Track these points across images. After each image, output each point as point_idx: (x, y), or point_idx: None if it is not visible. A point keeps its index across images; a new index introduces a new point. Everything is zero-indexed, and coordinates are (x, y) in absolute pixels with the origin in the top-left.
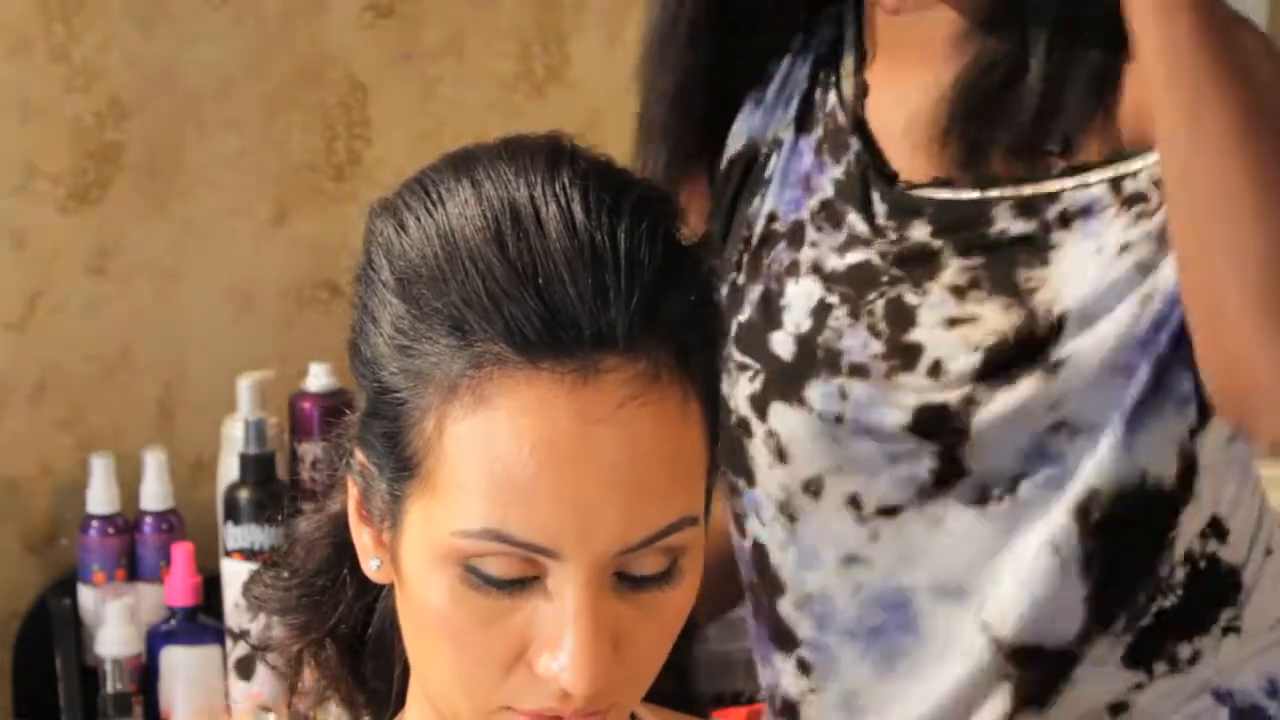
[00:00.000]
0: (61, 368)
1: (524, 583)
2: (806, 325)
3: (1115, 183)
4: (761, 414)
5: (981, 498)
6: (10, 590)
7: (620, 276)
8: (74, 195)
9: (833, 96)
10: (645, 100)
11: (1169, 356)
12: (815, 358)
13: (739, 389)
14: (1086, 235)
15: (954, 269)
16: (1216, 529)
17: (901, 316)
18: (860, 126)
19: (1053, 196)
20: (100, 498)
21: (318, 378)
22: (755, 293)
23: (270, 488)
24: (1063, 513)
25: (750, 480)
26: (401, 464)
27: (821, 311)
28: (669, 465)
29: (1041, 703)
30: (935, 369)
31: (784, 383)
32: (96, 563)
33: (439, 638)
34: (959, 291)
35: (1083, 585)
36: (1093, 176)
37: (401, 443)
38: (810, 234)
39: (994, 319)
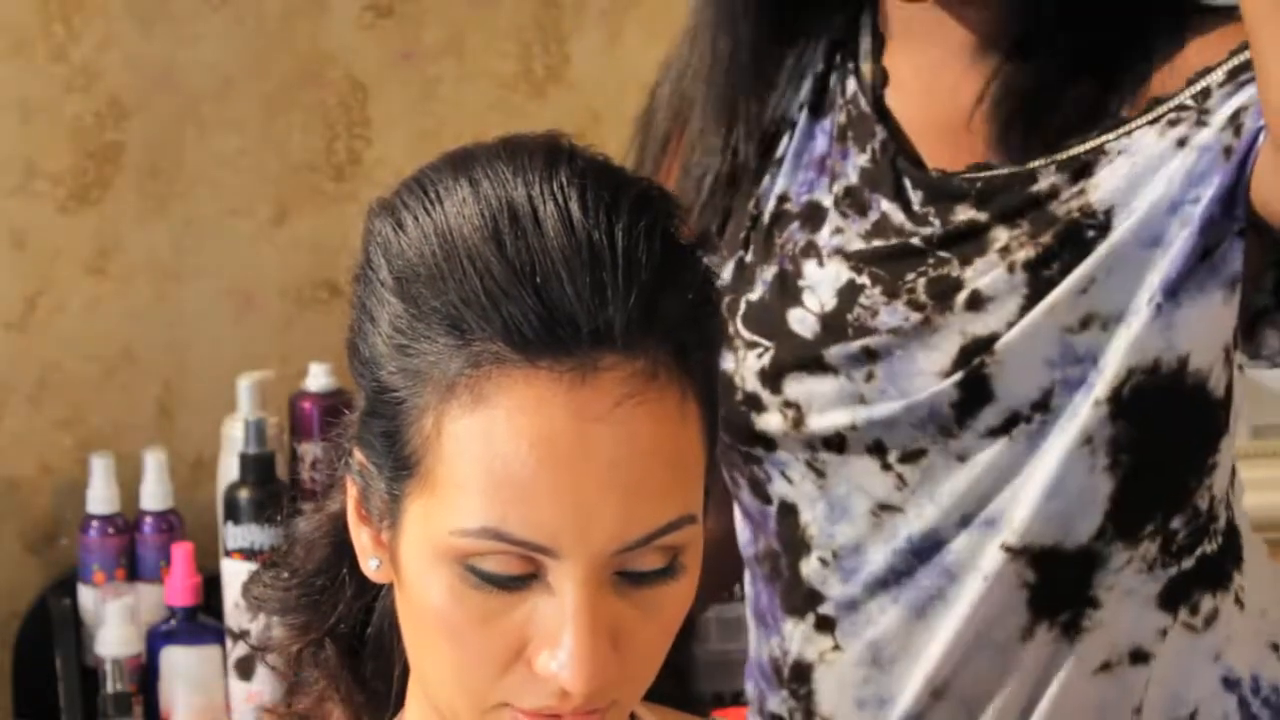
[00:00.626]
0: (61, 368)
1: (523, 581)
2: (832, 304)
3: (1153, 121)
4: (775, 387)
5: (1008, 424)
6: (10, 590)
7: (618, 275)
8: (74, 195)
9: (852, 83)
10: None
11: (1212, 223)
12: (844, 332)
13: (746, 365)
14: (1125, 152)
15: (1003, 238)
16: (1234, 487)
17: (948, 287)
18: (884, 114)
19: (1094, 149)
20: (100, 498)
21: (318, 378)
22: (769, 273)
23: (270, 488)
24: (1091, 404)
25: (769, 445)
26: (400, 463)
27: (850, 291)
28: (667, 464)
29: (1066, 626)
30: (974, 299)
31: (804, 354)
32: (96, 563)
33: (438, 636)
34: (1005, 251)
35: (1109, 478)
36: (1134, 125)
37: (400, 442)
38: (834, 219)
39: (1035, 247)
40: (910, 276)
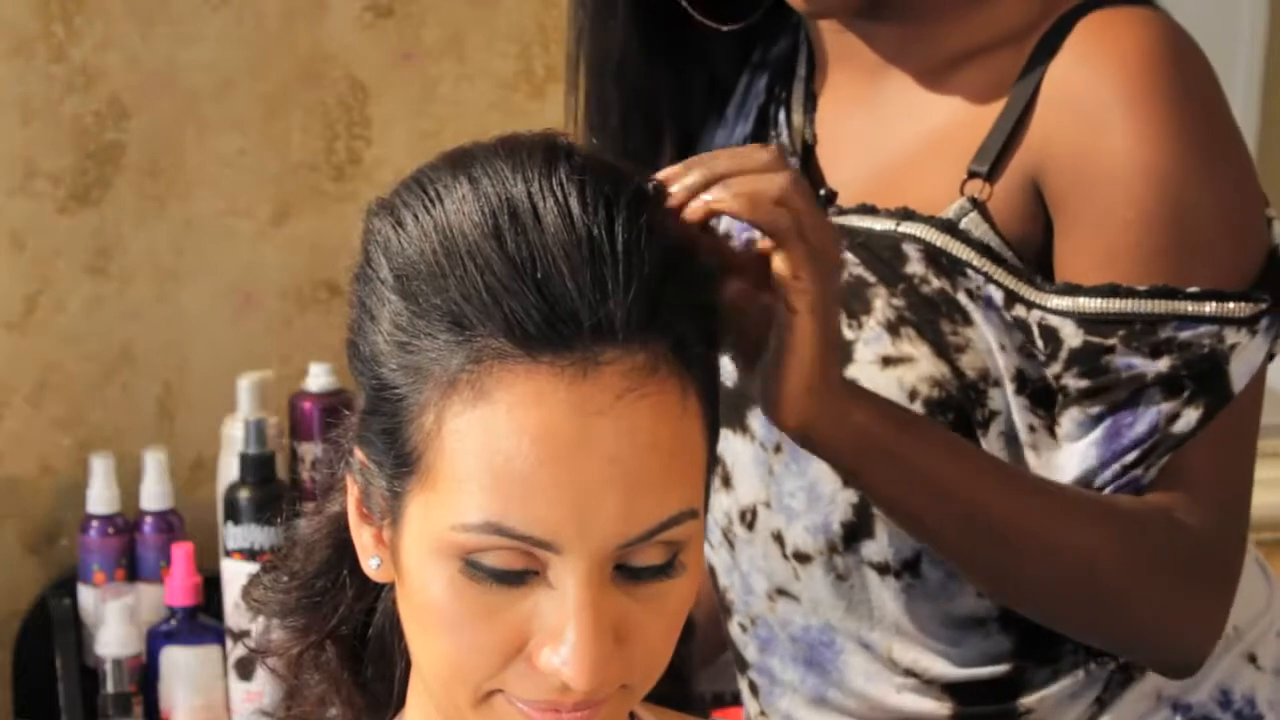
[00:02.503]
0: (61, 368)
1: (524, 576)
2: None
3: (1009, 298)
4: None
5: (884, 567)
6: (10, 590)
7: (618, 269)
8: (74, 195)
9: (783, 111)
10: (595, 121)
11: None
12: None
13: None
14: (989, 323)
15: (883, 303)
16: None
17: (840, 351)
18: (805, 145)
19: (958, 263)
20: (100, 498)
21: (318, 378)
22: None
23: (270, 488)
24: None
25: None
26: (401, 460)
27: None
28: (668, 458)
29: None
30: None
31: (729, 409)
32: (96, 563)
33: (438, 632)
34: (891, 328)
35: (1006, 638)
36: (998, 276)
37: (401, 438)
38: None
39: (926, 364)
40: None
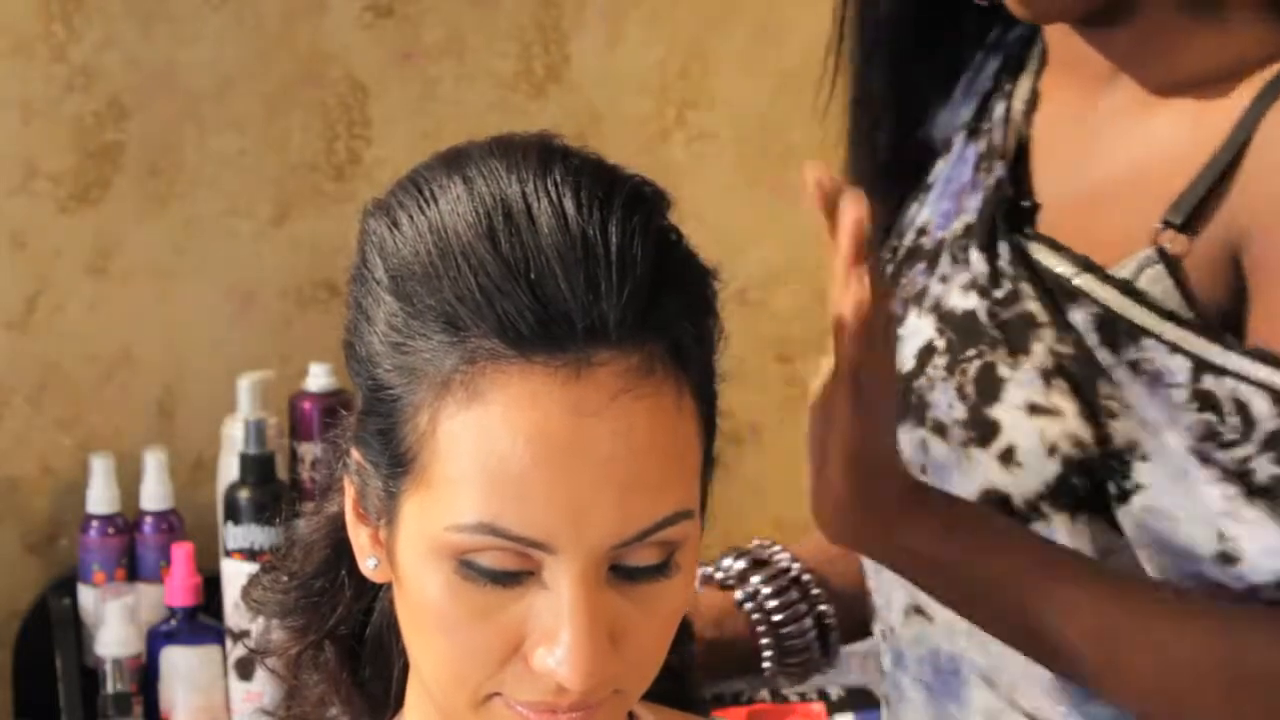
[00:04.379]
0: (61, 368)
1: (519, 577)
2: (909, 365)
3: (1198, 367)
4: None
5: None
6: (10, 590)
7: (612, 270)
8: (74, 195)
9: (1003, 106)
10: (857, 93)
11: None
12: (909, 402)
13: None
14: (1153, 400)
15: (1044, 348)
16: None
17: (989, 387)
18: (1020, 147)
19: (1135, 331)
20: (100, 498)
21: (318, 378)
22: None
23: (270, 488)
24: None
25: None
26: (396, 460)
27: (926, 355)
28: (663, 459)
29: None
30: (1008, 455)
31: None
32: (96, 563)
33: (434, 632)
34: (1046, 376)
35: None
36: (1186, 342)
37: (396, 439)
38: (944, 263)
39: (1072, 422)
40: (970, 354)
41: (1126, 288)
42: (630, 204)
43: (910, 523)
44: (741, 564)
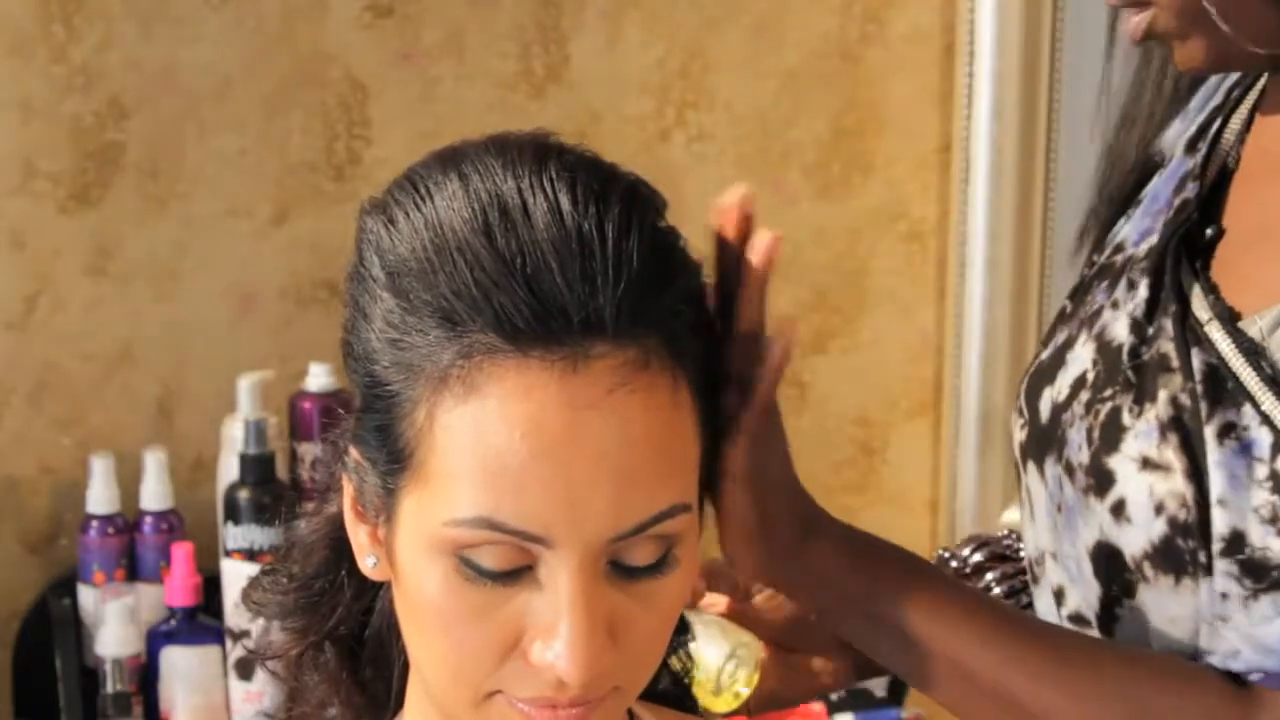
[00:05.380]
0: (61, 368)
1: (518, 572)
2: (1063, 395)
3: (1277, 443)
4: (1024, 466)
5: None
6: (10, 590)
7: (608, 264)
8: (74, 195)
9: (1216, 125)
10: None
11: None
12: (1055, 434)
13: (1015, 431)
14: (1221, 470)
15: (1168, 396)
16: None
17: (1112, 434)
18: (1225, 173)
19: (1240, 392)
20: (100, 498)
21: (318, 378)
22: (1061, 336)
23: (270, 488)
24: None
25: (1022, 516)
26: (394, 456)
27: (1078, 386)
28: (660, 452)
29: None
30: (1119, 508)
31: (1036, 446)
32: (96, 563)
33: (434, 629)
34: (1163, 428)
35: None
36: (1276, 414)
37: (393, 435)
38: (1121, 287)
39: (1179, 481)
40: (1106, 394)
41: (1248, 346)
42: (626, 200)
43: (814, 548)
44: (979, 556)
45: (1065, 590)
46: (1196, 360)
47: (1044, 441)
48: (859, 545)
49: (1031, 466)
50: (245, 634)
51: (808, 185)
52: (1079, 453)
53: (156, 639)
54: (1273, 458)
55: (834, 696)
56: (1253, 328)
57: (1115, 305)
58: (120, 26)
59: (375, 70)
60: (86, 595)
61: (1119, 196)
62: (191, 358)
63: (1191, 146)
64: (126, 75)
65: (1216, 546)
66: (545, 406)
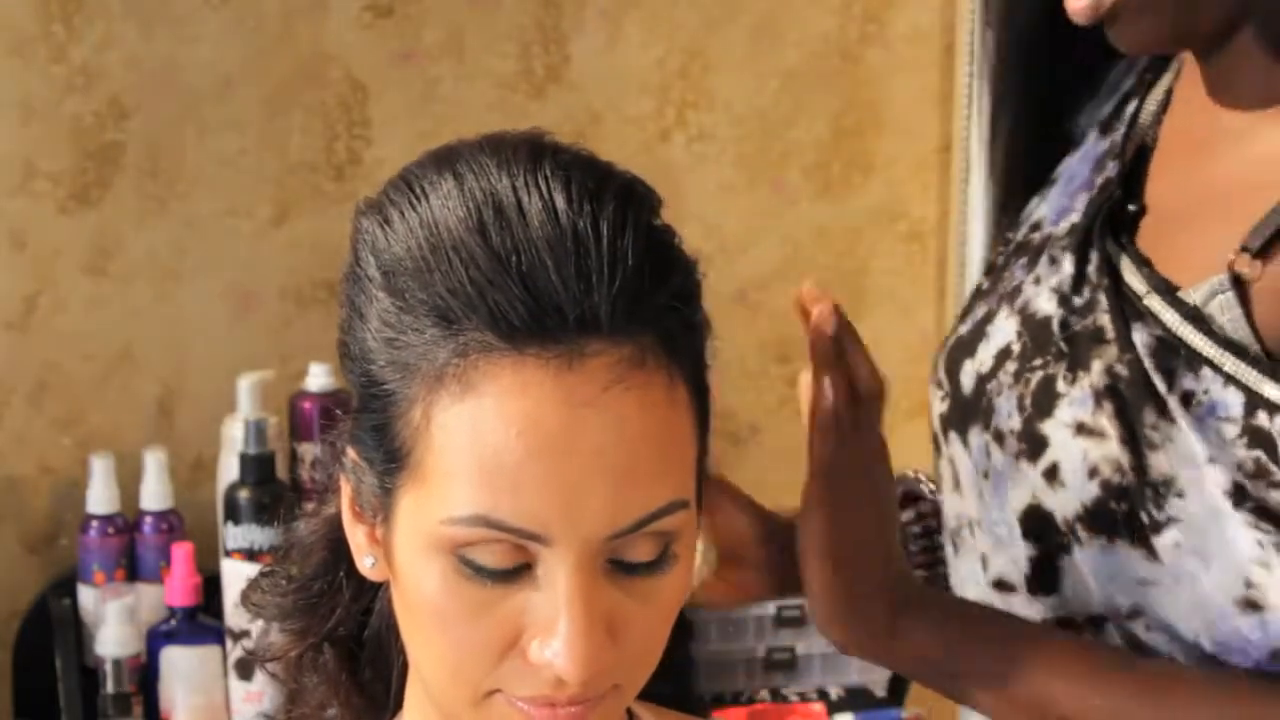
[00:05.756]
0: (61, 368)
1: (515, 572)
2: (987, 366)
3: (1251, 402)
4: (945, 438)
5: (1064, 623)
6: (10, 590)
7: (603, 262)
8: (74, 195)
9: (1133, 105)
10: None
11: None
12: (980, 404)
13: (935, 404)
14: (1200, 434)
15: (1103, 366)
16: None
17: (1045, 401)
18: (1143, 151)
19: (1194, 359)
20: (100, 498)
21: (318, 378)
22: (980, 311)
23: (270, 488)
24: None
25: (939, 488)
26: (391, 455)
27: (1002, 357)
28: (657, 449)
29: None
30: (1052, 472)
31: (960, 417)
32: (96, 563)
33: (432, 628)
34: (1098, 396)
35: None
36: (1241, 374)
37: (390, 434)
38: (1043, 263)
39: (1114, 447)
40: (1035, 363)
41: (1193, 313)
42: (620, 198)
43: (911, 630)
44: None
45: (989, 557)
46: (1141, 334)
47: (968, 411)
48: (954, 619)
49: (954, 436)
50: (245, 634)
51: (808, 185)
52: (1009, 419)
53: (156, 639)
54: (1246, 415)
55: (834, 696)
56: (1189, 299)
57: (1037, 281)
58: (120, 26)
59: (375, 70)
60: (86, 595)
61: (1034, 180)
62: (191, 358)
63: (1106, 127)
64: (126, 75)
65: (1225, 502)
66: (542, 404)
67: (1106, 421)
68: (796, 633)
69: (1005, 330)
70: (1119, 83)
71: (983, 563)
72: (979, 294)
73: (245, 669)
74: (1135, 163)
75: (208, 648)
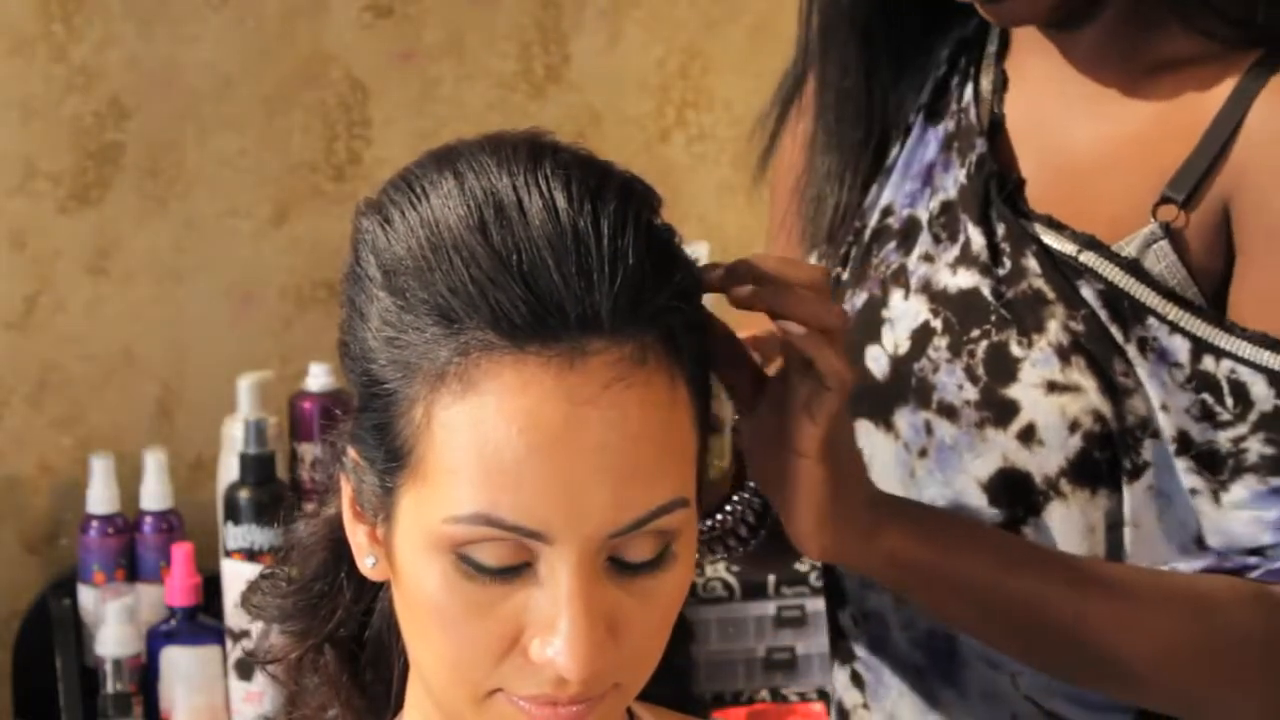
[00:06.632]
0: (61, 368)
1: (517, 569)
2: (905, 347)
3: (1198, 348)
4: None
5: None
6: (10, 590)
7: (604, 260)
8: (74, 195)
9: (970, 87)
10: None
11: None
12: (908, 384)
13: None
14: (1155, 380)
15: (1058, 325)
16: None
17: (1003, 367)
18: (994, 127)
19: (1139, 310)
20: (100, 498)
21: (318, 378)
22: (859, 298)
23: (270, 488)
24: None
25: None
26: (392, 454)
27: (923, 336)
28: (658, 447)
29: None
30: (1028, 433)
31: (874, 402)
32: (96, 563)
33: (433, 627)
34: (1063, 353)
35: None
36: (1186, 323)
37: (391, 433)
38: (925, 241)
39: (1093, 397)
40: (975, 334)
41: (1131, 265)
42: (621, 196)
43: (891, 523)
44: None
45: None
46: (1087, 290)
47: (888, 395)
48: (931, 515)
49: (865, 425)
50: (245, 634)
51: None
52: (961, 392)
53: (156, 639)
54: (1192, 361)
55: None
56: (1124, 252)
57: (929, 259)
58: (120, 26)
59: (375, 70)
60: (86, 595)
61: (866, 172)
62: (191, 358)
63: (931, 113)
64: (126, 75)
65: (1171, 447)
66: (543, 402)
67: (1079, 375)
68: (796, 633)
69: (913, 311)
70: (921, 72)
71: None
72: (840, 284)
73: (245, 669)
74: (990, 139)
75: (208, 648)
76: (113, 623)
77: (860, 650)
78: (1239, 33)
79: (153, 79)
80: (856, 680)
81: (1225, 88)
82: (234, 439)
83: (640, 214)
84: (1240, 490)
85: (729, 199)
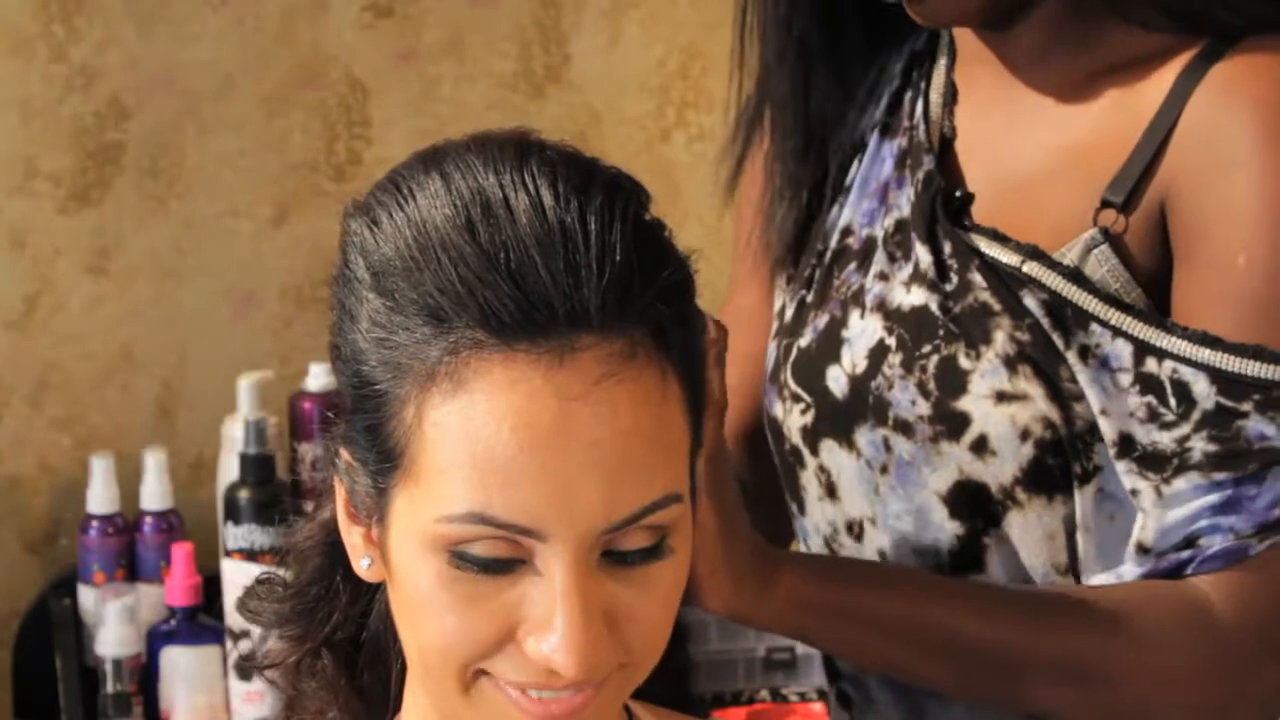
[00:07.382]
0: (61, 368)
1: (511, 565)
2: (862, 367)
3: (1140, 351)
4: (813, 449)
5: None
6: (10, 590)
7: (591, 257)
8: (74, 195)
9: (921, 102)
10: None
11: None
12: (866, 403)
13: (792, 419)
14: (1096, 385)
15: (1004, 336)
16: None
17: (952, 381)
18: (944, 142)
19: (1082, 316)
20: (100, 498)
21: (318, 378)
22: (821, 319)
23: (270, 488)
24: None
25: (801, 509)
26: (384, 455)
27: (879, 354)
28: (650, 443)
29: None
30: (980, 445)
31: (836, 421)
32: (96, 563)
33: (428, 623)
34: (1009, 363)
35: None
36: (1128, 326)
37: (383, 434)
38: (880, 260)
39: (1042, 404)
40: (926, 349)
41: (1073, 273)
42: (608, 193)
43: (783, 570)
44: None
45: (890, 551)
46: (1031, 299)
47: (848, 414)
48: (819, 560)
49: (828, 444)
50: (245, 634)
51: None
52: (914, 407)
53: (156, 639)
54: (1135, 364)
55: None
56: (1064, 260)
57: (884, 277)
58: (120, 26)
59: (375, 70)
60: (86, 595)
61: (815, 190)
62: (191, 358)
63: (886, 128)
64: (126, 75)
65: (1111, 451)
66: (533, 399)
67: (1026, 384)
68: None
69: (869, 330)
70: (877, 87)
71: (882, 559)
72: (806, 306)
73: (245, 669)
74: (941, 154)
75: (208, 648)
76: (113, 623)
77: (846, 669)
78: (1176, 24)
79: (153, 79)
80: (843, 700)
81: (1165, 87)
82: (234, 439)
83: (628, 209)
84: (1181, 483)
85: (729, 199)
